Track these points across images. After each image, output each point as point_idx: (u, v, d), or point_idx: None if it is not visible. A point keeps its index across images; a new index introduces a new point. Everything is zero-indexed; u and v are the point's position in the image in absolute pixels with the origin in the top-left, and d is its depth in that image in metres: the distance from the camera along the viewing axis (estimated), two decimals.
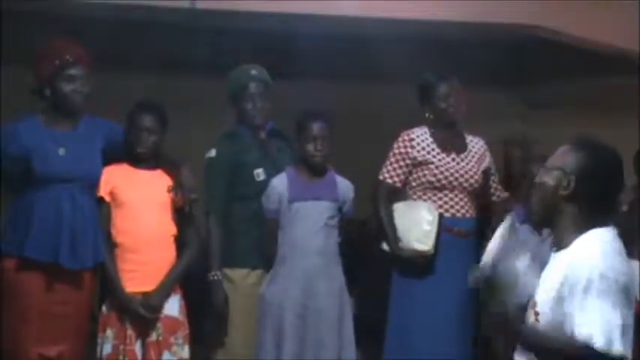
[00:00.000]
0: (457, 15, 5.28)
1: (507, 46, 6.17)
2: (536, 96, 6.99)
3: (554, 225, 2.56)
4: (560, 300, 2.44)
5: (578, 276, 2.41)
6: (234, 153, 4.17)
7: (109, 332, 3.85)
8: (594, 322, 2.37)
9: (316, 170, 4.14)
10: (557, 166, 2.55)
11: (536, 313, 2.50)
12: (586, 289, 2.40)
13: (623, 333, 2.38)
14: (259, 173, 4.17)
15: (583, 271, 2.41)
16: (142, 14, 5.02)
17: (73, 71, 3.76)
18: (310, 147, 4.09)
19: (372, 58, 5.82)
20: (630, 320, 2.40)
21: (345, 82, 6.25)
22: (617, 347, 2.37)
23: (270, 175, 4.14)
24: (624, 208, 4.88)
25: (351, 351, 4.08)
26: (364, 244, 5.60)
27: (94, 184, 3.84)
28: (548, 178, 2.55)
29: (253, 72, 4.25)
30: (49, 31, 4.02)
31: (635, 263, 3.68)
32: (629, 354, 2.39)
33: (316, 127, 4.09)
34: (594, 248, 2.44)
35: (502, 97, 6.47)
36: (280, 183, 4.09)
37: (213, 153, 4.17)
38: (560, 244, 2.54)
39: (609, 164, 2.56)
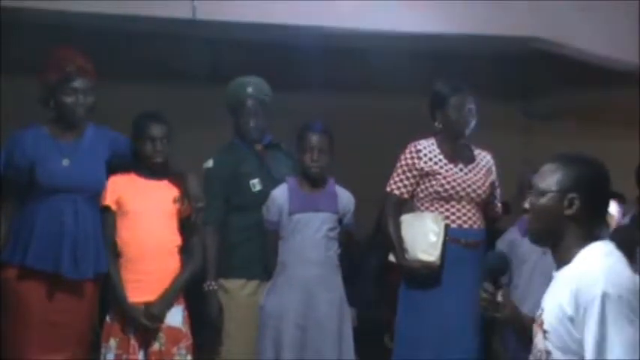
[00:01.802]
0: (457, 28, 5.26)
1: (507, 59, 6.16)
2: (537, 108, 6.98)
3: (554, 244, 2.50)
4: (566, 319, 2.39)
5: (587, 300, 2.34)
6: (231, 164, 4.19)
7: (112, 342, 3.85)
8: (617, 346, 2.31)
9: (316, 181, 4.13)
10: (551, 188, 2.48)
11: (545, 331, 2.45)
12: (602, 320, 2.32)
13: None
14: (255, 184, 4.18)
15: (590, 293, 2.34)
16: (141, 25, 5.01)
17: (74, 83, 3.76)
18: (307, 158, 4.08)
19: (373, 71, 5.81)
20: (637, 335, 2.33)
21: (344, 94, 6.24)
22: None
23: (266, 185, 4.15)
24: (626, 220, 4.86)
25: None
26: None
27: (97, 194, 3.85)
28: (545, 201, 2.48)
29: (250, 89, 4.26)
30: (49, 42, 4.01)
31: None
32: None
33: (313, 139, 4.08)
34: (599, 265, 2.39)
35: (502, 109, 6.45)
36: (280, 194, 4.09)
37: (210, 164, 4.20)
38: (561, 262, 2.49)
39: (602, 174, 2.52)
